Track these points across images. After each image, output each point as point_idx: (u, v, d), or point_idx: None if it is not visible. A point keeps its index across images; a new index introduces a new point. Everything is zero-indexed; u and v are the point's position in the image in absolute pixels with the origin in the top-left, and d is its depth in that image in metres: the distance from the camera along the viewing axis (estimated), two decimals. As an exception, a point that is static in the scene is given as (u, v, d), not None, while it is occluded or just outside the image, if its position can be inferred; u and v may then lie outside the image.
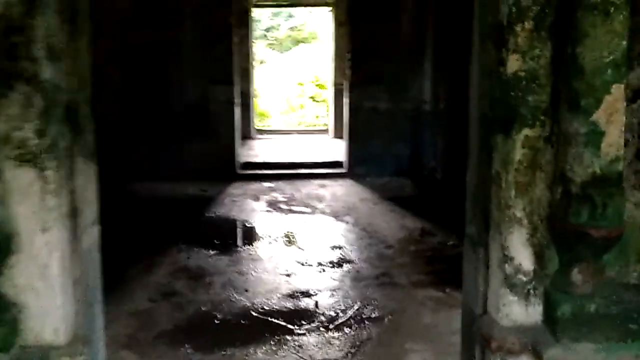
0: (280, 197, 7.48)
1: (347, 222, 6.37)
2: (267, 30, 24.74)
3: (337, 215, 6.62)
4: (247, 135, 11.83)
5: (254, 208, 7.01)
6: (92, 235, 2.45)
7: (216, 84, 8.34)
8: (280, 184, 8.18)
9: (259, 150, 10.53)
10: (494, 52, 2.24)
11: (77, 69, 2.23)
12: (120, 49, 7.98)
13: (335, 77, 12.01)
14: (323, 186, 8.07)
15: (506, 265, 2.18)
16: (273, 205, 7.12)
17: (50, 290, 2.11)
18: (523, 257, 2.17)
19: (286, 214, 6.75)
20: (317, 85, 18.72)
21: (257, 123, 15.30)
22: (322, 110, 17.15)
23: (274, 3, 12.73)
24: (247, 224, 6.41)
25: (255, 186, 8.10)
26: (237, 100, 8.62)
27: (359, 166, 8.58)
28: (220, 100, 8.37)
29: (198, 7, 8.22)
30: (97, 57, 5.85)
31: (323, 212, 6.78)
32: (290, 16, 24.67)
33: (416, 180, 8.25)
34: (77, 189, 2.26)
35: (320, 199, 7.40)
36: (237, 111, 8.63)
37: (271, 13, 24.81)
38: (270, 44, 24.52)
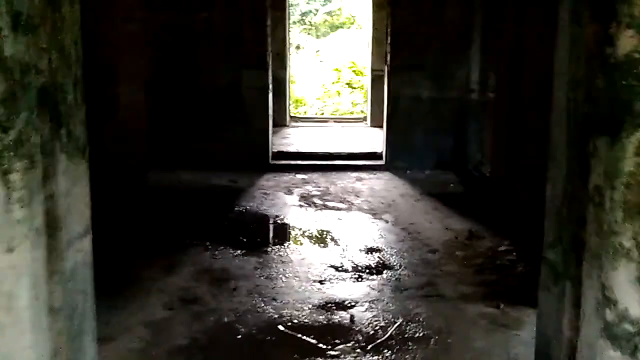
0: (314, 191, 6.99)
1: (386, 221, 5.85)
2: (304, 15, 24.28)
3: (375, 213, 6.11)
4: (281, 123, 11.38)
5: (285, 202, 6.54)
6: (81, 250, 1.99)
7: (249, 68, 7.88)
8: (315, 176, 7.70)
9: (293, 139, 10.06)
10: (594, 27, 1.70)
11: (58, 45, 1.76)
12: (146, 31, 7.57)
13: (374, 63, 11.47)
14: (360, 179, 7.57)
15: (607, 310, 1.66)
16: (306, 199, 6.64)
17: (18, 326, 1.66)
18: (631, 300, 1.63)
19: (320, 209, 6.26)
20: (353, 71, 18.16)
21: (292, 110, 14.86)
22: (358, 97, 16.63)
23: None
24: (278, 221, 5.94)
25: (288, 178, 7.63)
26: (271, 86, 8.14)
27: (398, 158, 8.05)
28: (253, 86, 7.91)
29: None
30: (120, 40, 5.41)
31: (360, 209, 6.28)
32: (327, 0, 24.14)
33: (460, 174, 7.67)
34: (58, 194, 1.80)
35: (356, 193, 6.90)
36: (271, 97, 8.16)
37: (307, -3, 24.32)
38: (306, 29, 24.07)
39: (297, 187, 7.14)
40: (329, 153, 8.53)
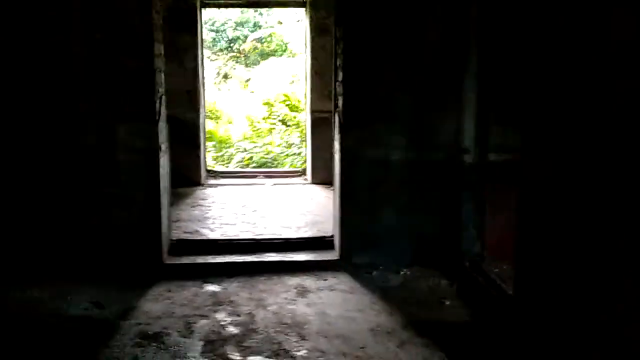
0: (229, 326, 4.24)
1: (359, 414, 3.17)
2: (231, 41, 21.89)
3: (336, 388, 3.43)
4: (195, 181, 8.67)
5: (178, 360, 3.77)
6: None
7: (127, 121, 5.09)
8: (233, 287, 4.95)
9: (207, 209, 7.31)
10: None
11: None
12: None
13: (313, 102, 8.89)
14: (303, 293, 4.85)
15: None
16: (215, 349, 3.89)
17: None
18: None
19: (237, 380, 3.53)
20: (288, 106, 15.59)
21: (212, 159, 12.16)
22: (295, 137, 14.08)
23: (229, 2, 9.48)
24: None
25: (190, 293, 4.85)
26: (164, 144, 5.39)
27: (359, 250, 5.41)
28: (134, 147, 5.12)
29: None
30: None
31: (308, 375, 3.58)
32: (257, 26, 21.83)
33: (453, 276, 5.10)
34: None
35: (300, 329, 4.19)
36: (164, 161, 5.40)
37: (234, 23, 21.96)
38: (234, 56, 21.67)
39: (202, 318, 4.36)
40: (256, 240, 5.81)
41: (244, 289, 4.91)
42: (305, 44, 9.15)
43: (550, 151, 3.70)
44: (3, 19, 4.93)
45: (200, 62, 8.82)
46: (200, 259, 5.42)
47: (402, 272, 5.24)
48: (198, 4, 8.62)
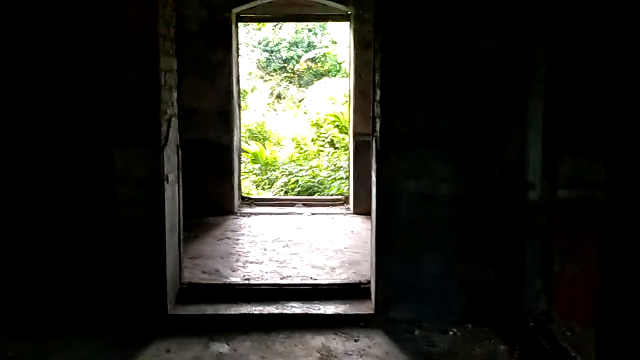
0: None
1: None
2: (285, 61, 21.45)
3: None
4: (227, 210, 7.94)
5: None
6: None
7: (126, 145, 4.36)
8: (243, 348, 4.09)
9: (234, 242, 6.55)
10: None
11: None
12: None
13: (357, 124, 8.04)
14: (328, 358, 3.97)
15: None
16: None
17: None
18: None
19: None
20: (337, 127, 14.85)
21: (251, 184, 11.48)
22: (343, 160, 13.27)
23: (265, 16, 8.77)
24: None
25: (191, 353, 4.02)
26: (173, 174, 4.63)
27: (398, 303, 4.49)
28: (134, 177, 4.38)
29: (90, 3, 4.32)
30: None
31: None
32: (311, 46, 21.28)
33: (512, 339, 4.12)
34: None
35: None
36: (171, 194, 4.62)
37: (288, 43, 21.51)
38: (288, 77, 21.22)
39: (198, 391, 3.55)
40: (280, 286, 4.96)
41: (256, 350, 4.06)
42: (349, 61, 8.34)
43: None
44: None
45: (235, 81, 8.11)
46: (211, 309, 4.60)
47: (450, 332, 4.29)
48: (233, 17, 7.94)
